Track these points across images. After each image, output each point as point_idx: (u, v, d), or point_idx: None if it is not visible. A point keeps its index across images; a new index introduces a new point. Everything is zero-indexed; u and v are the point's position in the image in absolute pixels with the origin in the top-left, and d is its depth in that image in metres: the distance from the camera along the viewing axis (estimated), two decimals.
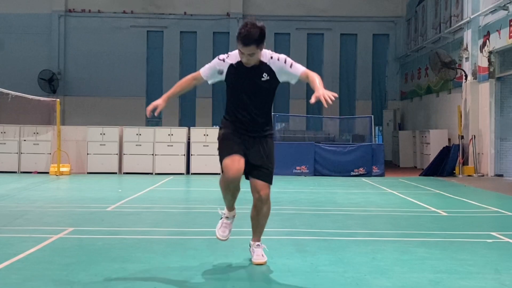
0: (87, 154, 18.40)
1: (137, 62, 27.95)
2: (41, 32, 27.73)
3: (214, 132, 18.03)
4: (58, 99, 19.06)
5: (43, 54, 27.68)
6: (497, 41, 17.82)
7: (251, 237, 7.43)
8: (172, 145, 18.29)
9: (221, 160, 5.44)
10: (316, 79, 5.17)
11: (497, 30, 17.83)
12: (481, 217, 9.76)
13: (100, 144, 18.44)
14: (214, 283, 5.08)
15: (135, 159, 18.35)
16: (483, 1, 18.72)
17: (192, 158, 18.42)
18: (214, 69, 5.45)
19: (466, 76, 19.36)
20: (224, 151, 5.44)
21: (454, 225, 8.70)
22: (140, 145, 18.43)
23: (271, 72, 5.34)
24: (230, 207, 5.85)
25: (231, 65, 5.36)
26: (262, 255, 5.80)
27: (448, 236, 7.67)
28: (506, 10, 17.02)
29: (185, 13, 27.66)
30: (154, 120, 27.25)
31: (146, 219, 9.04)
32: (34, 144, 18.55)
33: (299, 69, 5.34)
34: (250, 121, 5.45)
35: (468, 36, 19.40)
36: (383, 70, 29.11)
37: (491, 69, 18.44)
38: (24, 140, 18.52)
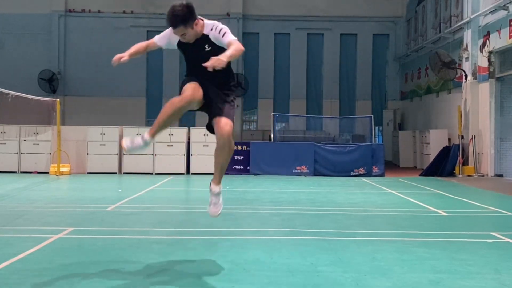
0: (87, 154, 18.40)
1: (137, 62, 27.87)
2: (41, 32, 27.73)
3: None
4: (58, 99, 19.05)
5: (43, 54, 27.68)
6: (497, 41, 17.83)
7: (249, 237, 7.44)
8: (172, 145, 18.29)
9: (180, 89, 5.59)
10: (230, 50, 5.20)
11: (497, 30, 17.84)
12: (481, 217, 9.76)
13: (100, 144, 18.44)
14: (214, 283, 5.08)
15: (135, 159, 18.34)
16: (483, 1, 18.73)
17: (192, 158, 18.43)
18: (167, 37, 5.61)
19: (466, 76, 19.37)
20: (185, 82, 5.59)
21: (454, 225, 8.70)
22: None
23: (211, 42, 5.42)
24: (154, 129, 5.52)
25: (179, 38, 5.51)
26: (217, 204, 5.77)
27: (448, 236, 7.68)
28: (506, 10, 17.03)
29: None
30: (154, 120, 27.21)
31: (146, 219, 9.05)
32: (34, 144, 18.55)
33: (226, 39, 5.36)
34: (209, 78, 5.49)
35: (468, 36, 19.40)
36: (383, 70, 29.11)
37: (491, 69, 18.45)
38: (24, 140, 18.53)
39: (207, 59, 5.18)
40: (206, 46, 5.41)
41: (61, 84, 27.60)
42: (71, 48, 27.91)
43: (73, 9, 27.99)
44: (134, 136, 5.45)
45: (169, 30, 5.54)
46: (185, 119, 27.91)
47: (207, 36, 5.42)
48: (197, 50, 5.44)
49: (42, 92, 25.91)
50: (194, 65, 5.54)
